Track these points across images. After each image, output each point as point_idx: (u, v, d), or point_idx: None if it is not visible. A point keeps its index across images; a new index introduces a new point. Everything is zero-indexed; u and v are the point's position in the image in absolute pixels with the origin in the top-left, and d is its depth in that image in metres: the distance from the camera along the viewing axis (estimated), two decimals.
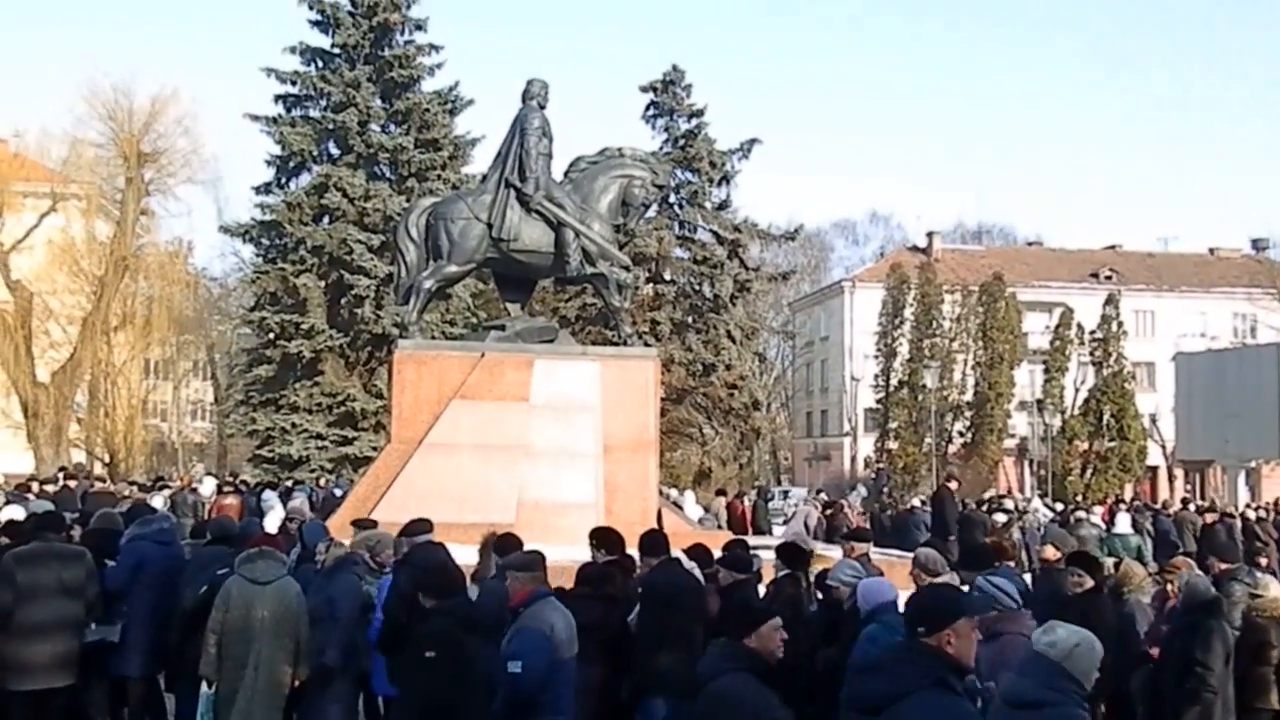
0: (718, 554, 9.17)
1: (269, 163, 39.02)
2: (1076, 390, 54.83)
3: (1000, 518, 22.71)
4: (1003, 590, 6.84)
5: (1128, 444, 52.48)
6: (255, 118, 38.24)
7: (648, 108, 42.30)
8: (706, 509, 23.18)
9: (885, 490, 40.85)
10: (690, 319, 40.84)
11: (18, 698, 8.53)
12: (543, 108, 17.01)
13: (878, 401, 56.48)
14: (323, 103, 38.38)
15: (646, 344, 20.73)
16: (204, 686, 8.18)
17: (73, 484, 21.30)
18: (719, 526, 20.58)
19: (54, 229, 37.85)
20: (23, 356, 36.35)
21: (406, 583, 8.25)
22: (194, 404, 57.97)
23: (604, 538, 8.79)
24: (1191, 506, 27.19)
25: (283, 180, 39.11)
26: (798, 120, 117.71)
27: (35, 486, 20.68)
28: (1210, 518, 23.23)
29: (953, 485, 23.29)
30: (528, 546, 8.36)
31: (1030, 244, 76.03)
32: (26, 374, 36.45)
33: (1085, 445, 53.20)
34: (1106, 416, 52.96)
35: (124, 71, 39.02)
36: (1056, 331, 55.09)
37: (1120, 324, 54.08)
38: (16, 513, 11.62)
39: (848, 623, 7.64)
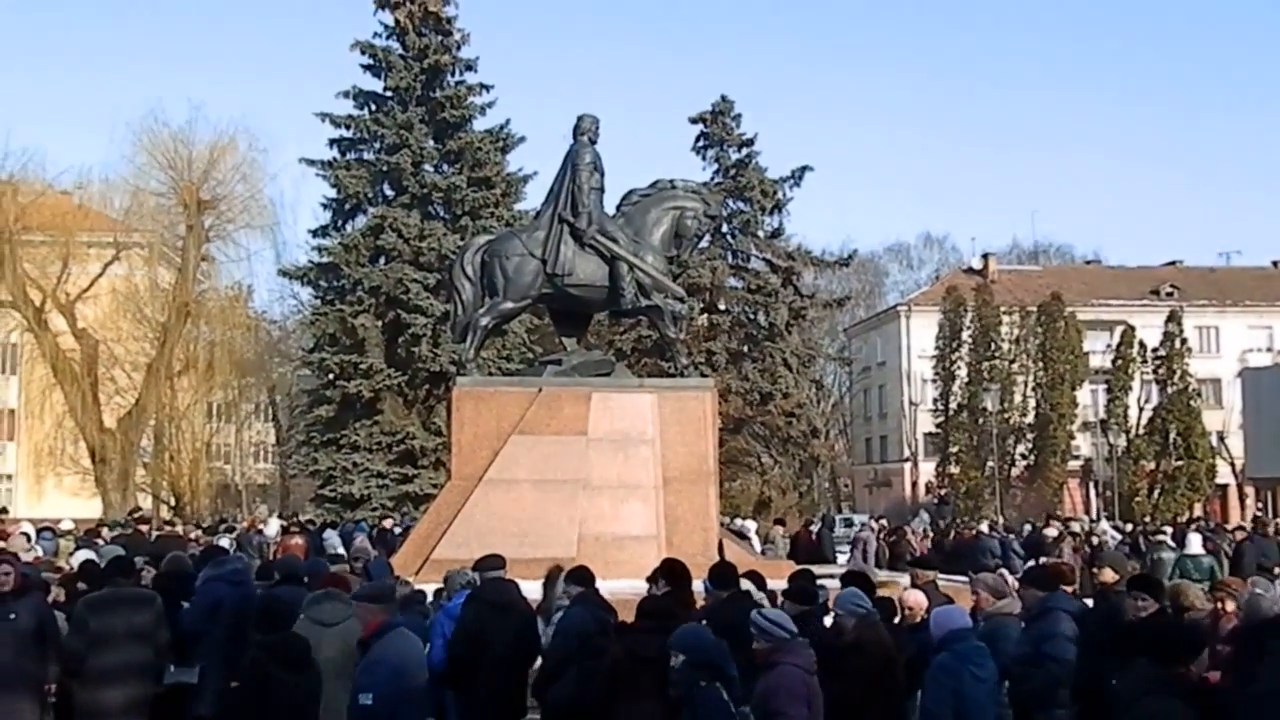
0: (780, 584, 9.11)
1: (325, 206, 39.57)
2: (1141, 409, 54.02)
3: (1051, 531, 22.39)
4: (776, 623, 6.80)
5: (1195, 463, 51.56)
6: (311, 162, 38.86)
7: (698, 139, 42.46)
8: (766, 538, 23.05)
9: (948, 516, 40.42)
10: (746, 348, 40.76)
11: None
12: (594, 143, 17.09)
13: (937, 426, 55.95)
14: (376, 145, 38.88)
15: (703, 374, 20.72)
16: None
17: (143, 528, 21.59)
18: (779, 556, 20.45)
19: (118, 277, 38.59)
20: (90, 403, 36.98)
21: (472, 619, 8.30)
22: (256, 445, 58.59)
23: (669, 569, 8.74)
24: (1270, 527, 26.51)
25: (339, 223, 39.61)
26: (849, 145, 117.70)
27: (105, 531, 21.00)
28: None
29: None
30: None
31: (1088, 262, 75.21)
32: (94, 420, 37.06)
33: (1152, 465, 52.35)
34: (1173, 435, 52.12)
35: (182, 120, 39.35)
36: (1118, 350, 54.34)
37: (1183, 341, 53.27)
38: (88, 557, 11.81)
39: (913, 649, 7.57)
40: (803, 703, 6.49)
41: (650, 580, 9.00)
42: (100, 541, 16.82)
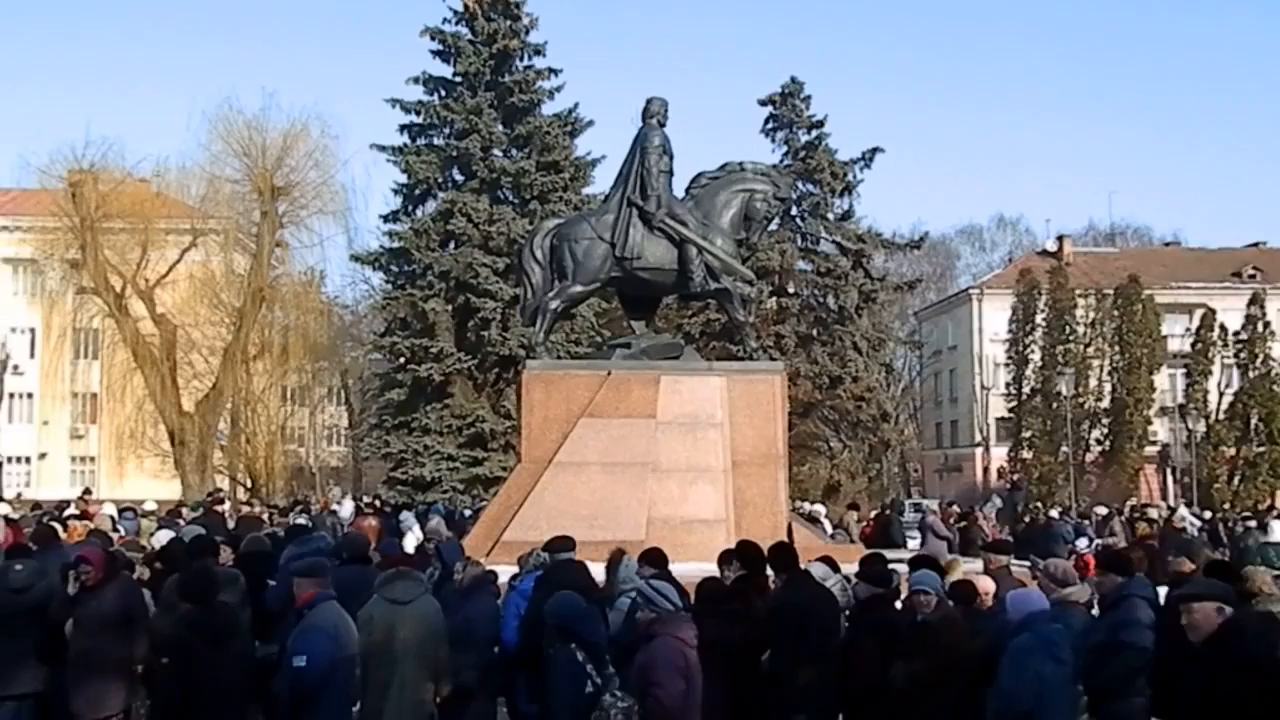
0: (851, 568, 9.06)
1: (396, 191, 39.99)
2: (1221, 394, 52.91)
3: (1101, 510, 22.04)
4: (662, 594, 6.74)
5: (1277, 449, 50.42)
6: (381, 148, 39.24)
7: (767, 121, 42.24)
8: (838, 523, 22.93)
9: (1020, 501, 39.93)
10: (815, 331, 40.54)
11: None
12: (662, 126, 17.05)
13: (1010, 410, 55.25)
14: (446, 130, 39.17)
15: (772, 358, 20.60)
16: (356, 706, 8.34)
17: (221, 509, 21.99)
18: (850, 541, 20.33)
19: (195, 263, 39.21)
20: (169, 387, 37.68)
21: (544, 599, 8.35)
22: (329, 429, 59.37)
23: (742, 552, 8.72)
24: None
25: (409, 208, 39.99)
26: (920, 126, 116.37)
27: (185, 512, 21.44)
28: None
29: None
30: None
31: (1167, 244, 73.79)
32: (173, 404, 37.76)
33: (1232, 451, 51.27)
34: (1254, 420, 51.00)
35: (256, 108, 39.85)
36: (1198, 334, 53.23)
37: (1266, 324, 52.07)
38: (169, 537, 12.05)
39: (988, 632, 7.49)
40: (679, 675, 6.45)
41: (722, 563, 8.99)
42: (181, 522, 17.15)
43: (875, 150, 41.23)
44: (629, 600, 8.55)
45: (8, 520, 15.97)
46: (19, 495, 32.82)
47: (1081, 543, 19.33)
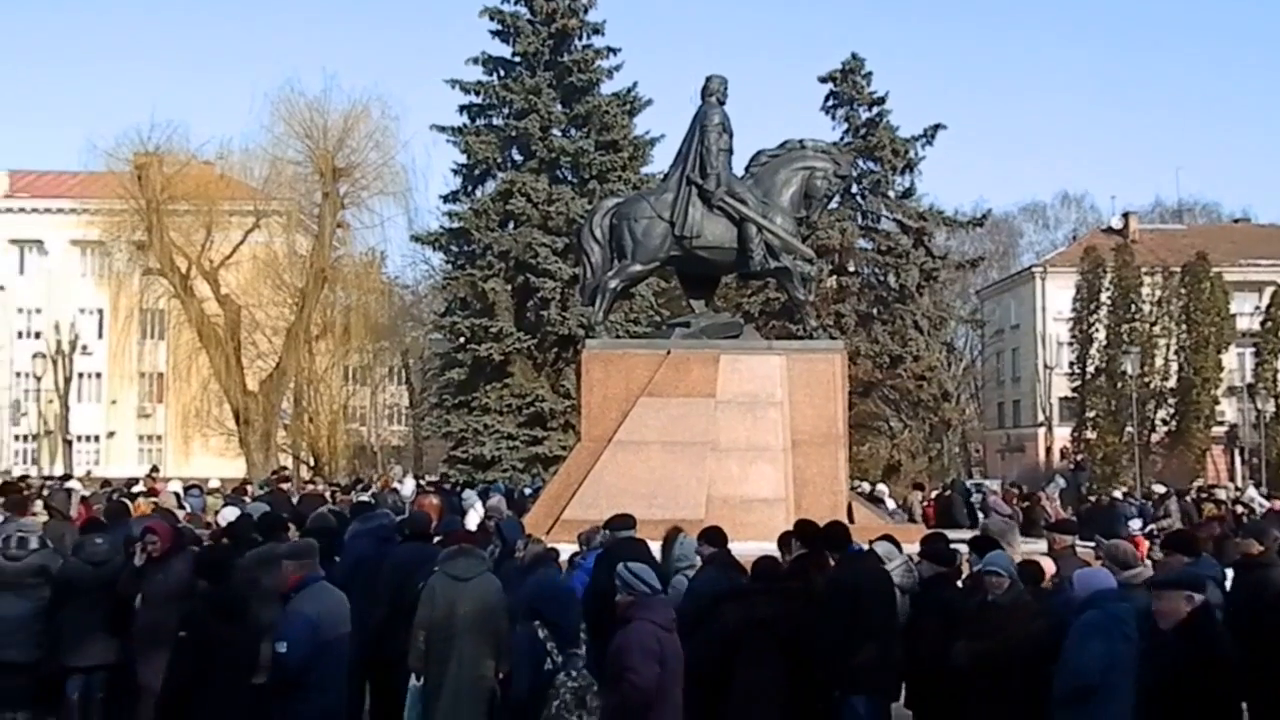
0: (913, 548, 9.01)
1: (455, 171, 40.13)
2: None
3: (1159, 488, 21.70)
4: (639, 576, 6.66)
5: None
6: (441, 128, 39.43)
7: (827, 98, 41.84)
8: (902, 503, 22.84)
9: (1084, 482, 39.39)
10: (875, 310, 40.21)
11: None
12: (722, 104, 16.99)
13: (1074, 390, 54.57)
14: (505, 110, 39.22)
15: (832, 337, 20.51)
16: (413, 680, 8.45)
17: (285, 486, 22.32)
18: (911, 520, 20.22)
19: (258, 244, 39.68)
20: (233, 366, 38.23)
21: (603, 577, 8.38)
22: (390, 408, 59.92)
23: (802, 531, 8.69)
24: None
25: (469, 188, 40.14)
26: (984, 102, 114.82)
27: (250, 489, 21.78)
28: None
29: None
30: None
31: (1236, 221, 72.38)
32: (237, 383, 38.30)
33: None
34: None
35: (317, 90, 40.21)
36: (1268, 312, 52.20)
37: None
38: (234, 514, 12.24)
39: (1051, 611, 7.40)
40: (654, 660, 6.34)
41: (781, 545, 8.96)
42: (246, 499, 17.42)
43: (937, 127, 40.73)
44: (684, 578, 8.57)
45: (82, 499, 16.30)
46: (88, 473, 33.49)
47: (1135, 524, 19.05)
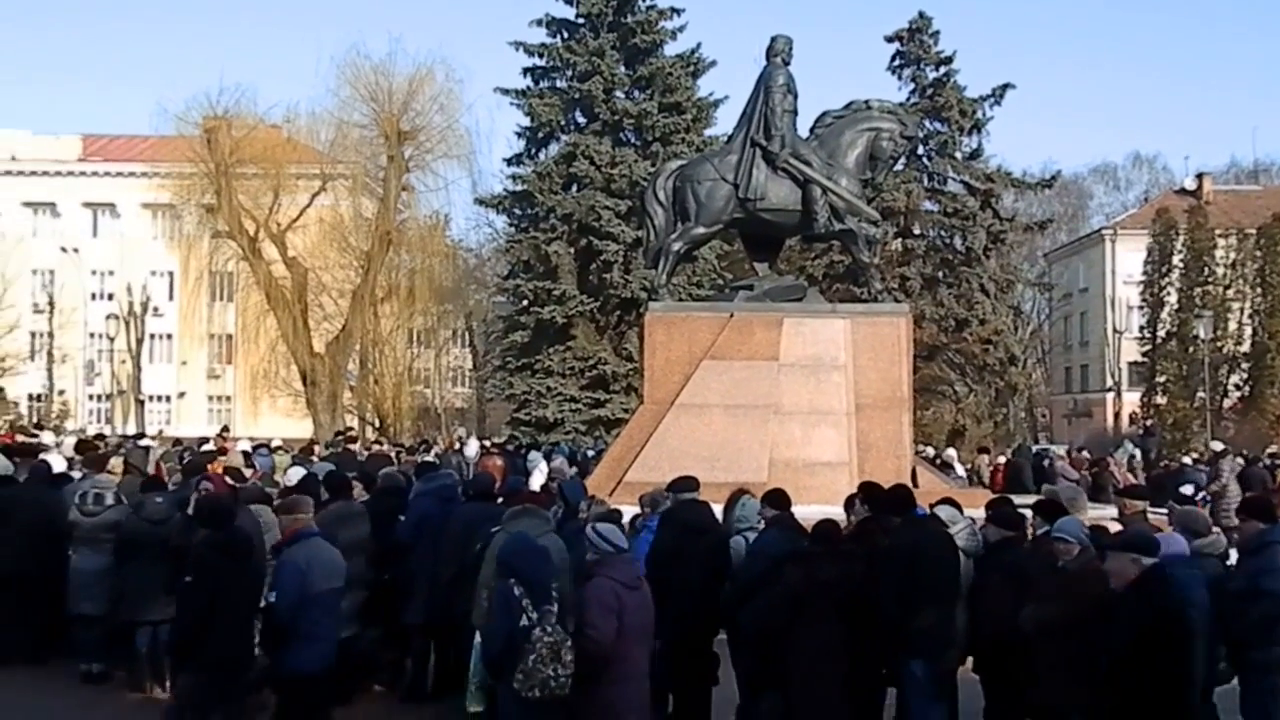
0: (977, 512, 8.94)
1: (519, 134, 40.27)
2: None
3: (1217, 445, 21.21)
4: (604, 536, 6.84)
5: None
6: (505, 91, 39.54)
7: (893, 58, 41.36)
8: (971, 468, 22.73)
9: (1154, 448, 38.80)
10: (941, 273, 39.85)
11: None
12: (787, 64, 16.88)
13: (1144, 354, 53.61)
14: (569, 73, 39.20)
15: (896, 300, 20.35)
16: (477, 638, 8.54)
17: (353, 447, 22.61)
18: (970, 484, 20.09)
19: (324, 207, 40.03)
20: (300, 329, 38.68)
21: (667, 539, 8.42)
22: (454, 370, 60.33)
23: (868, 493, 8.64)
24: None
25: (532, 151, 40.24)
26: (1053, 61, 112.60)
27: (317, 450, 22.10)
28: None
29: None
30: None
31: None
32: (304, 345, 38.77)
33: None
34: None
35: (382, 53, 40.34)
36: None
37: None
38: (301, 473, 12.42)
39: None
40: (612, 615, 6.48)
41: (847, 508, 8.94)
42: (313, 459, 17.67)
43: (1006, 86, 40.17)
44: (743, 539, 8.59)
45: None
46: (160, 432, 34.18)
47: (1187, 489, 18.70)
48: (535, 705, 6.30)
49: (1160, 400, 51.55)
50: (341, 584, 7.88)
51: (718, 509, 9.18)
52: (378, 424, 41.80)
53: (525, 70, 39.80)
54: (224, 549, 7.43)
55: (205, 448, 20.89)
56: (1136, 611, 6.26)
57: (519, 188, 39.49)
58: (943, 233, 40.62)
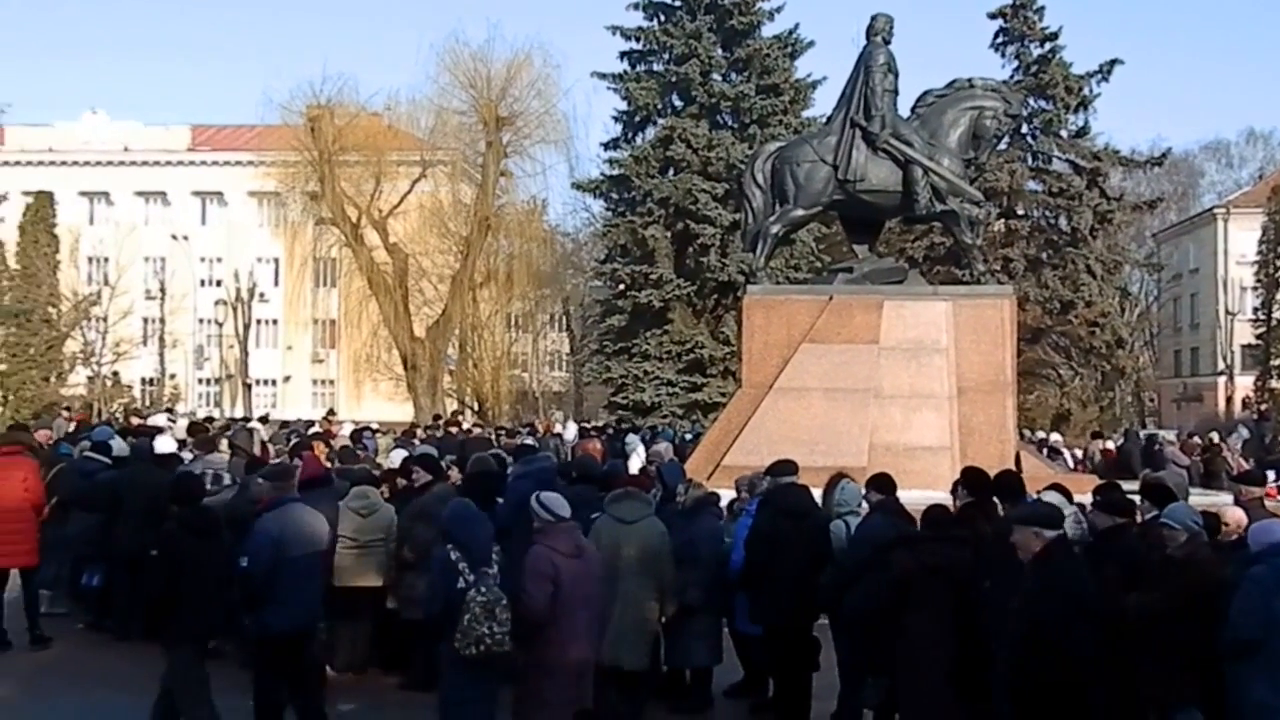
0: (1084, 498, 8.75)
1: (616, 118, 40.32)
2: None
3: None
4: (546, 505, 7.15)
5: None
6: (602, 75, 39.62)
7: (996, 35, 40.55)
8: (1084, 453, 22.31)
9: (1269, 433, 37.64)
10: (1046, 254, 39.05)
11: (414, 625, 9.31)
12: (887, 43, 16.68)
13: (1257, 337, 52.03)
14: (665, 56, 39.12)
15: (1000, 282, 19.95)
16: None
17: (454, 430, 22.91)
18: (1094, 471, 19.67)
19: (424, 193, 40.51)
20: (401, 313, 39.24)
21: (766, 523, 8.37)
22: (551, 354, 60.78)
23: (969, 479, 8.49)
24: None
25: (629, 135, 40.28)
26: (1163, 35, 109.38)
27: (419, 433, 22.45)
28: None
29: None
30: None
31: None
32: (405, 329, 39.33)
33: None
34: None
35: (481, 40, 40.68)
36: None
37: None
38: (403, 456, 12.60)
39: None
40: (547, 581, 6.80)
41: (953, 491, 8.81)
42: (415, 442, 17.92)
43: (1113, 62, 39.11)
44: (843, 524, 8.51)
45: (260, 440, 17.03)
46: (266, 415, 34.98)
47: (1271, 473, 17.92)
48: (474, 663, 6.57)
49: (1275, 384, 50.04)
50: (322, 548, 8.14)
51: (817, 493, 9.11)
52: (477, 408, 42.27)
53: (622, 54, 39.87)
54: (191, 526, 7.69)
55: (311, 430, 21.33)
56: (1037, 582, 6.44)
57: (616, 172, 39.57)
58: (1047, 213, 39.80)
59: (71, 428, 21.07)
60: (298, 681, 8.09)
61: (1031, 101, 38.28)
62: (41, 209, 53.86)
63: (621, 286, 38.95)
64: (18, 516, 11.06)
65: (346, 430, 22.84)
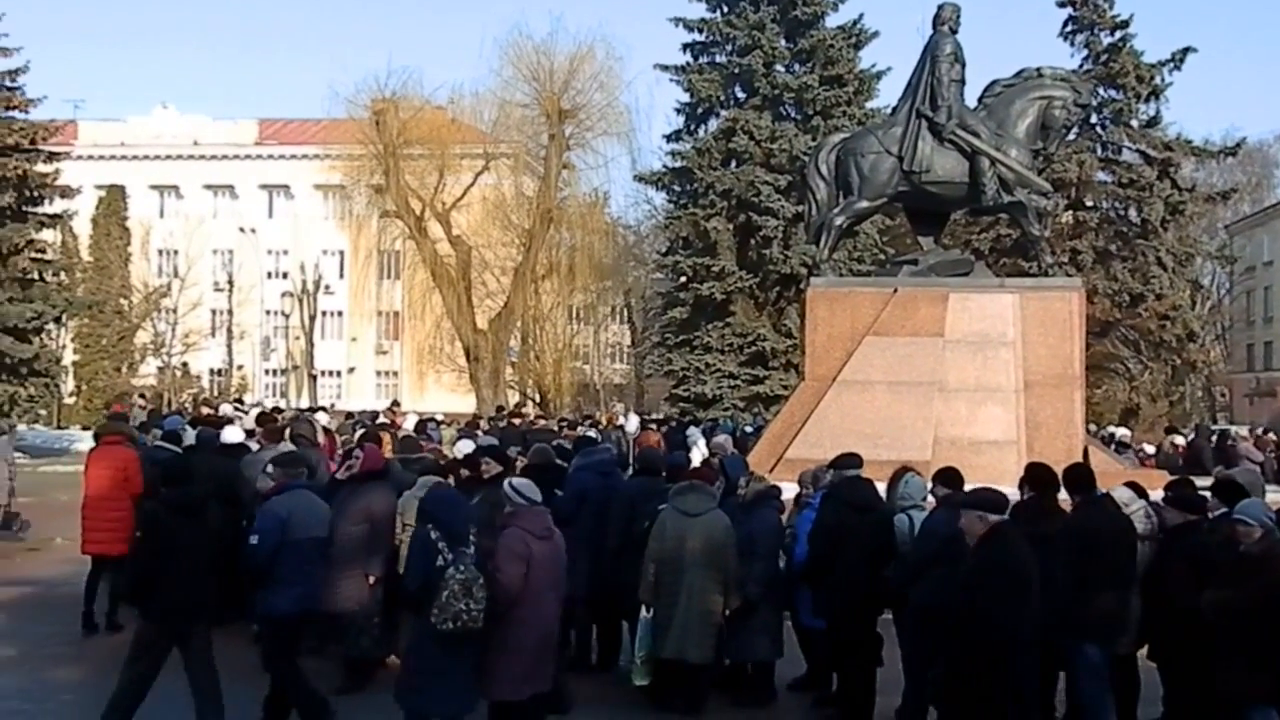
0: (1156, 494, 8.62)
1: (678, 110, 40.19)
2: None
3: None
4: (518, 490, 7.43)
5: None
6: (665, 67, 39.48)
7: (1065, 24, 39.85)
8: (1158, 448, 21.93)
9: None
10: (1115, 247, 38.37)
11: None
12: (954, 33, 16.48)
13: None
14: (728, 47, 38.96)
15: (1067, 274, 19.66)
16: (643, 611, 8.62)
17: (517, 421, 23.04)
18: (1140, 464, 19.33)
19: (487, 186, 40.79)
20: (464, 305, 39.53)
21: (831, 516, 8.32)
22: (613, 347, 60.89)
23: (1032, 475, 8.37)
24: None
25: (692, 127, 40.15)
26: (1238, 21, 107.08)
27: (482, 424, 22.60)
28: None
29: None
30: None
31: None
32: (468, 322, 39.62)
33: None
34: None
35: (543, 33, 40.85)
36: None
37: None
38: (469, 446, 12.68)
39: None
40: (521, 561, 7.08)
41: (1021, 486, 8.70)
42: (479, 434, 18.04)
43: (1186, 50, 38.27)
44: (906, 517, 8.44)
45: (326, 430, 17.21)
46: (332, 405, 35.41)
47: None
48: (448, 637, 6.85)
49: None
50: (324, 534, 8.38)
51: (880, 487, 9.05)
52: (538, 399, 42.48)
53: (685, 46, 39.74)
54: (176, 507, 7.89)
55: (377, 421, 21.55)
56: (977, 563, 6.75)
57: (678, 164, 39.48)
58: (1117, 204, 39.13)
59: (144, 417, 21.46)
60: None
61: (1101, 91, 37.59)
62: (113, 202, 55.03)
63: (683, 279, 38.91)
64: (115, 505, 11.42)
65: (411, 421, 23.03)
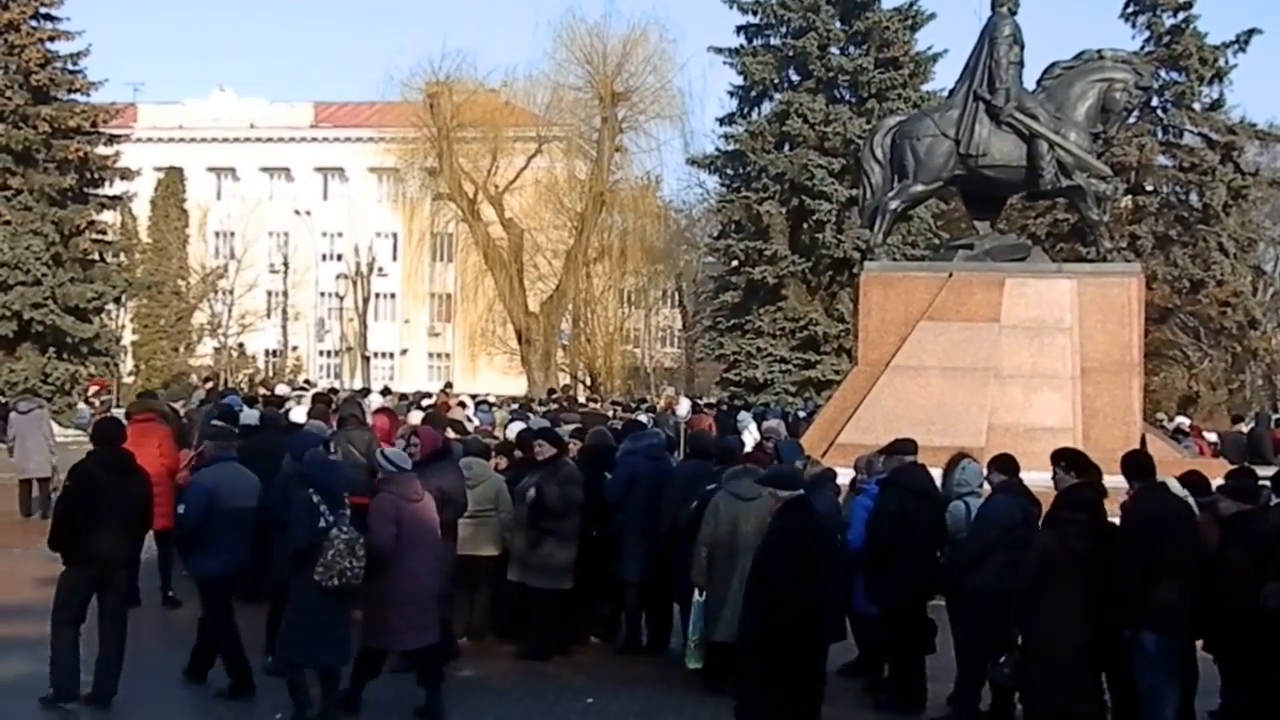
0: (1216, 483, 8.49)
1: (732, 93, 39.97)
2: None
3: None
4: (389, 459, 8.12)
5: None
6: (718, 50, 39.24)
7: (1127, 5, 39.15)
8: (1223, 436, 21.68)
9: None
10: (1175, 232, 37.76)
11: (536, 594, 9.67)
12: (1013, 14, 16.29)
13: None
14: (783, 30, 38.66)
15: (1126, 260, 19.38)
16: (695, 594, 8.63)
17: (568, 404, 23.11)
18: (1196, 453, 19.07)
19: (540, 169, 40.86)
20: (516, 288, 39.68)
21: (893, 502, 8.29)
22: (664, 330, 60.86)
23: (1071, 459, 8.23)
24: None
25: (745, 110, 39.92)
26: None
27: (535, 406, 22.71)
28: None
29: None
30: None
31: None
32: (520, 304, 39.78)
33: None
34: None
35: (597, 15, 40.93)
36: None
37: None
38: (520, 427, 12.75)
39: None
40: (391, 523, 7.72)
41: (1060, 468, 8.53)
42: (531, 416, 18.12)
43: (1251, 32, 37.49)
44: (963, 504, 8.37)
45: (387, 410, 17.37)
46: (386, 387, 35.63)
47: None
48: (332, 593, 7.43)
49: None
50: (253, 503, 8.75)
51: (936, 474, 8.98)
52: (589, 382, 42.58)
53: (739, 28, 39.48)
54: (106, 465, 8.26)
55: (427, 403, 21.70)
56: (771, 532, 7.29)
57: (731, 147, 39.32)
58: (1178, 189, 38.49)
59: (204, 395, 21.74)
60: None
61: (1163, 73, 36.93)
62: (172, 184, 55.66)
63: (735, 263, 38.81)
64: (155, 481, 11.44)
65: (464, 400, 23.16)
